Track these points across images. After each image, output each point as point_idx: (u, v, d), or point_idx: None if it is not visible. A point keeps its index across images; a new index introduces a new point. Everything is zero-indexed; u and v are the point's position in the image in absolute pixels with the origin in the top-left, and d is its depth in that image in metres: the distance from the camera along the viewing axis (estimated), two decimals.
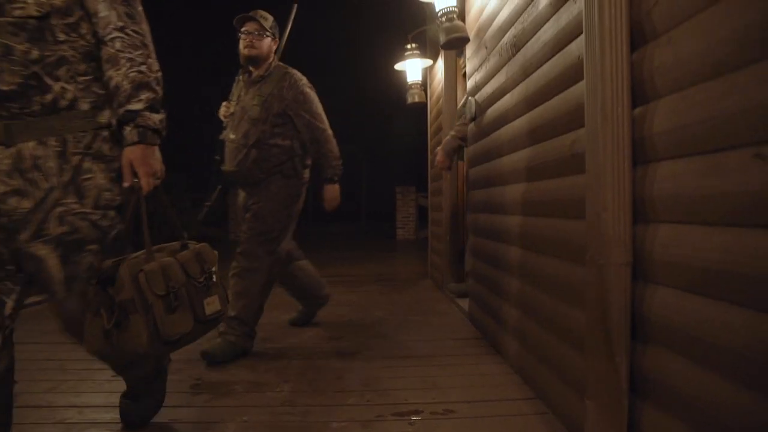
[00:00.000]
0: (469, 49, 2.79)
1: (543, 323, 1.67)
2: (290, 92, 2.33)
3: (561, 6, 1.48)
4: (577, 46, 1.35)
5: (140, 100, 1.19)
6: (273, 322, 2.89)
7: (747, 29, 0.79)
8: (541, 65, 1.66)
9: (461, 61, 3.49)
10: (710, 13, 0.88)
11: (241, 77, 2.44)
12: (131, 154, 1.21)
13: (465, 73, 3.14)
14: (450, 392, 1.81)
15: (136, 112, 1.19)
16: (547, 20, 1.59)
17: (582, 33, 1.26)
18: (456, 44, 2.60)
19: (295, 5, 2.44)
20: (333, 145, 2.45)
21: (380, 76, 8.56)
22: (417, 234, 9.14)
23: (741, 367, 0.80)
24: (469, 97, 2.69)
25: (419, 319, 3.00)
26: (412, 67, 3.86)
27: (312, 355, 2.29)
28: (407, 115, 7.02)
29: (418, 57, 3.78)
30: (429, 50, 4.08)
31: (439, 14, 2.55)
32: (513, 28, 1.96)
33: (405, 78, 3.97)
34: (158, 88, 1.23)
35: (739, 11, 0.81)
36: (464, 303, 3.04)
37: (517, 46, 1.91)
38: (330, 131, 2.45)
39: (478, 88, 2.56)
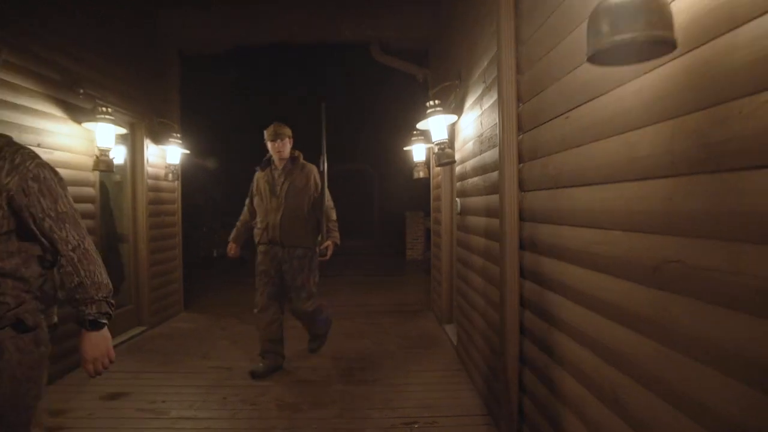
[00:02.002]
0: (456, 156, 3.96)
1: (489, 367, 2.86)
2: (13, 178, 1.43)
3: (491, 194, 2.66)
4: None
5: None
6: (319, 353, 4.11)
7: (553, 175, 1.98)
8: (493, 217, 2.84)
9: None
10: (537, 164, 2.07)
11: None
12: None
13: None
14: (437, 409, 3.01)
15: None
16: (491, 195, 2.77)
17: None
18: (447, 165, 3.80)
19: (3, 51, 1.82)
20: (94, 265, 1.52)
21: (395, 114, 9.77)
22: (424, 254, 10.33)
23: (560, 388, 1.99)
24: (456, 198, 3.88)
25: (421, 351, 4.20)
26: (417, 150, 5.04)
27: (347, 382, 3.51)
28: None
29: (422, 142, 4.96)
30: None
31: (435, 142, 3.74)
32: (478, 177, 3.15)
33: (412, 157, 5.15)
34: None
35: (547, 165, 2.00)
36: (454, 337, 4.23)
37: (480, 192, 3.10)
38: (89, 244, 1.54)
39: (461, 194, 3.76)
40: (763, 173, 0.88)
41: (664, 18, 0.96)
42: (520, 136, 2.28)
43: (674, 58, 1.10)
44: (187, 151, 5.36)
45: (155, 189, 5.16)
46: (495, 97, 2.64)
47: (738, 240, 0.94)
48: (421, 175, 5.07)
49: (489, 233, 2.87)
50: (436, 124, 3.69)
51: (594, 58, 1.03)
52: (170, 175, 5.27)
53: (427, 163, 5.16)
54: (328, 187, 3.69)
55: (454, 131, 4.02)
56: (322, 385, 3.47)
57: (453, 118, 3.75)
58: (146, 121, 4.95)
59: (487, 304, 2.92)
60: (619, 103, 1.37)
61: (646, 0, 0.95)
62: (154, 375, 3.68)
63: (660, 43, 0.97)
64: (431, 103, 3.67)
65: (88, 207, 4.02)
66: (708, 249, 1.03)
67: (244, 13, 5.34)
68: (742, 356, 0.94)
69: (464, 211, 3.68)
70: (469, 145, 3.46)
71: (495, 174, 2.72)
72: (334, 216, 3.77)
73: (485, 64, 2.95)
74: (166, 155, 5.23)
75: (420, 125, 3.85)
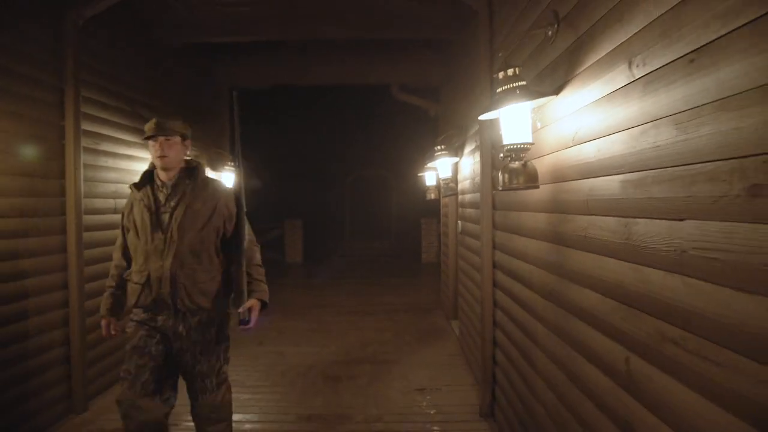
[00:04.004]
0: (458, 187, 5.12)
1: (476, 347, 4.03)
2: None
3: (478, 224, 3.83)
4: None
5: None
6: (350, 342, 5.33)
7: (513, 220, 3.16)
8: (479, 237, 4.02)
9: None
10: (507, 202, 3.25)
11: None
12: None
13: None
14: (441, 380, 4.21)
15: None
16: (478, 225, 3.95)
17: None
18: (451, 196, 4.98)
19: None
20: None
21: (413, 126, 10.92)
22: (438, 258, 11.52)
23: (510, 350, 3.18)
24: (458, 221, 5.06)
25: (431, 341, 5.40)
26: (429, 176, 6.22)
27: (375, 362, 4.72)
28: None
29: (432, 171, 6.13)
30: None
31: (441, 179, 4.92)
32: (472, 209, 4.32)
33: (424, 182, 6.33)
34: None
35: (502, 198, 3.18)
36: (457, 330, 5.41)
37: (473, 221, 4.27)
38: None
39: (462, 218, 4.93)
40: (574, 251, 2.04)
41: (533, 176, 2.14)
42: (494, 192, 3.45)
43: (543, 184, 2.27)
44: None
45: None
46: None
47: (567, 279, 2.11)
48: (432, 197, 6.24)
49: (477, 252, 4.04)
50: (442, 165, 4.89)
51: (501, 189, 2.21)
52: None
53: (437, 187, 6.34)
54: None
55: (457, 167, 5.18)
56: (355, 364, 4.70)
57: (455, 159, 4.93)
58: (206, 153, 6.20)
59: (476, 304, 4.10)
60: (532, 194, 2.53)
61: (524, 168, 2.12)
62: None
63: (531, 186, 2.15)
64: (438, 147, 4.86)
65: None
66: (558, 282, 2.20)
67: (282, 61, 6.56)
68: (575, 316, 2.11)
69: (464, 232, 4.86)
70: (466, 182, 4.63)
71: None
72: (258, 257, 2.64)
73: (476, 128, 4.11)
74: (222, 180, 6.49)
75: (430, 164, 5.03)
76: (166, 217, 2.43)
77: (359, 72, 6.49)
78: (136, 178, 4.74)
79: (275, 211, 12.36)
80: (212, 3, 4.73)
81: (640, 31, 1.46)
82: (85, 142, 3.82)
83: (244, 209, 2.51)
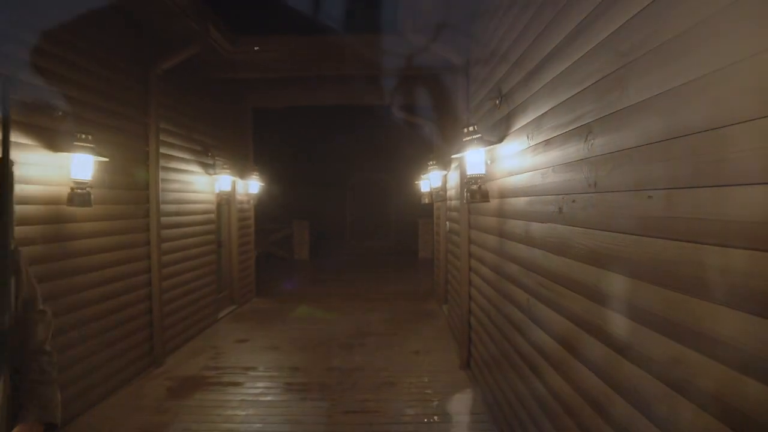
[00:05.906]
0: (447, 193, 6.39)
1: (458, 320, 5.31)
2: None
3: (460, 226, 5.11)
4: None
5: None
6: (357, 321, 6.61)
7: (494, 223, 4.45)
8: (459, 234, 5.29)
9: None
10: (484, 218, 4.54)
11: None
12: None
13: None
14: (431, 346, 5.49)
15: None
16: (458, 222, 5.22)
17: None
18: (440, 202, 6.25)
19: None
20: None
21: (410, 134, 12.16)
22: (434, 254, 12.81)
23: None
24: (447, 222, 6.35)
25: (425, 321, 6.68)
26: (424, 184, 7.50)
27: (379, 335, 6.00)
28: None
29: (425, 180, 7.41)
30: None
31: (433, 187, 6.20)
32: (456, 213, 5.59)
33: (420, 189, 7.61)
34: None
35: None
36: (446, 312, 6.68)
37: (457, 222, 5.55)
38: None
39: (449, 219, 6.21)
40: (508, 241, 3.31)
41: (485, 194, 3.42)
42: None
43: (493, 199, 3.54)
44: (263, 184, 7.88)
45: (241, 210, 7.71)
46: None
47: (504, 258, 3.38)
48: (426, 201, 7.51)
49: (459, 246, 5.31)
50: (434, 176, 6.18)
51: (466, 203, 3.48)
52: (251, 201, 7.81)
53: (430, 193, 7.62)
54: None
55: (446, 178, 6.47)
56: (363, 336, 5.98)
57: (445, 172, 6.21)
58: (236, 164, 7.48)
59: (458, 286, 5.38)
60: (488, 205, 3.80)
61: (479, 190, 3.40)
62: (259, 331, 6.23)
63: (485, 201, 3.43)
64: (430, 162, 6.14)
65: (212, 227, 6.56)
66: (500, 260, 3.48)
67: (296, 87, 7.81)
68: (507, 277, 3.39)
69: (451, 231, 6.14)
70: (452, 191, 5.92)
71: None
72: (39, 340, 1.55)
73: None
74: (248, 187, 7.77)
75: (424, 175, 6.31)
76: None
77: (363, 94, 7.76)
78: (194, 187, 6.09)
79: (284, 212, 13.64)
80: (246, 51, 6.01)
81: (530, 121, 2.73)
82: (160, 162, 5.08)
83: (11, 253, 1.35)
